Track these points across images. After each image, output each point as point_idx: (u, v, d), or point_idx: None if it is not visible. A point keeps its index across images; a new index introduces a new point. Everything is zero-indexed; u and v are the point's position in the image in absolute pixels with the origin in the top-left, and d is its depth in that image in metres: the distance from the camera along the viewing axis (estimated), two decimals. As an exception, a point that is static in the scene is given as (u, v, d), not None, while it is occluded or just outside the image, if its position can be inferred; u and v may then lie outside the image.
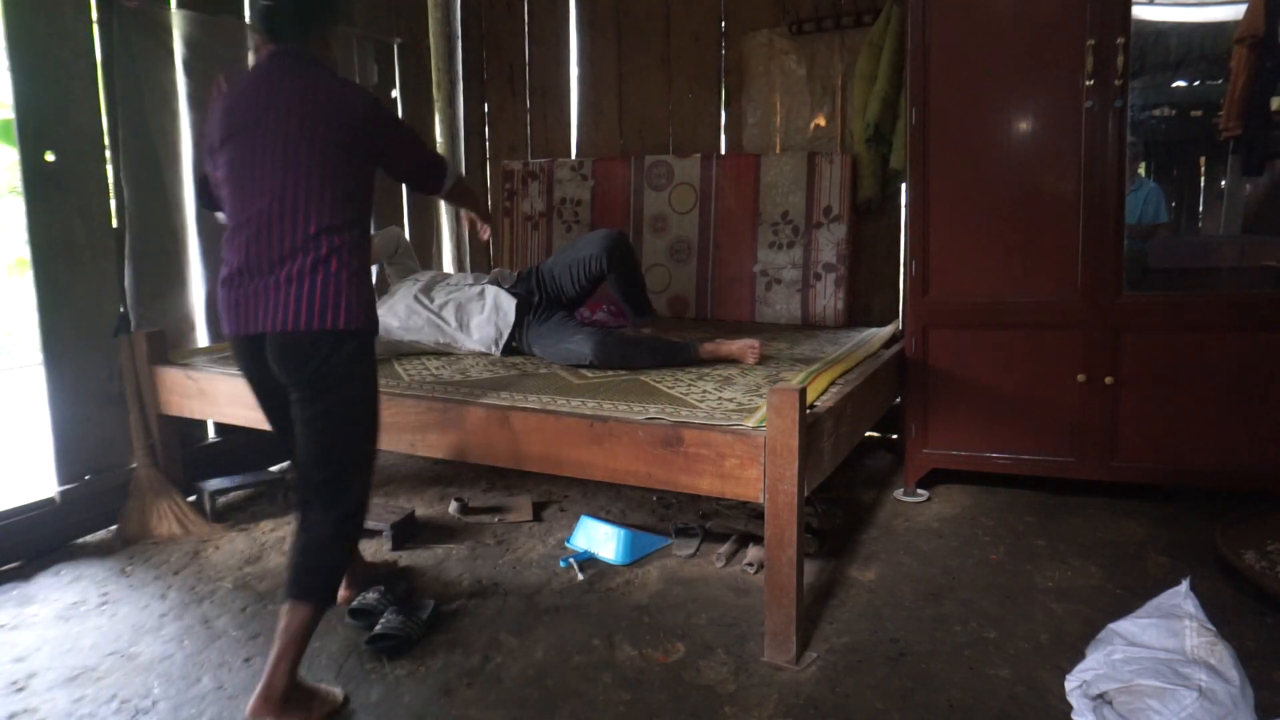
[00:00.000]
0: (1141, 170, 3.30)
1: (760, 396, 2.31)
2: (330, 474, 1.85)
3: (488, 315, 2.97)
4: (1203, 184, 3.45)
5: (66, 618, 2.32)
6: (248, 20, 3.31)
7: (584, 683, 1.96)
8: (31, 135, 2.66)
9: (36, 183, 2.68)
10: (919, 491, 3.07)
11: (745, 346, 2.73)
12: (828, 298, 3.64)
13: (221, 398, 2.82)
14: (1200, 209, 3.46)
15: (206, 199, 2.08)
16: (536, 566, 2.56)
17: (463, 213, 2.62)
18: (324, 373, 1.81)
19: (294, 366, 1.81)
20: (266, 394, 1.97)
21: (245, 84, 1.89)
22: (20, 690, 1.98)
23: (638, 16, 4.08)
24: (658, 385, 2.47)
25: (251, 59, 1.96)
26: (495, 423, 2.30)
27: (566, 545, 2.70)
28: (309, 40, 1.92)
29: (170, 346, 3.05)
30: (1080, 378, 2.82)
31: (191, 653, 2.12)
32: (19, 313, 6.18)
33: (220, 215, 2.00)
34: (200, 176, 2.10)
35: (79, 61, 2.79)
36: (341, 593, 2.19)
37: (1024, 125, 2.80)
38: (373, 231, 3.19)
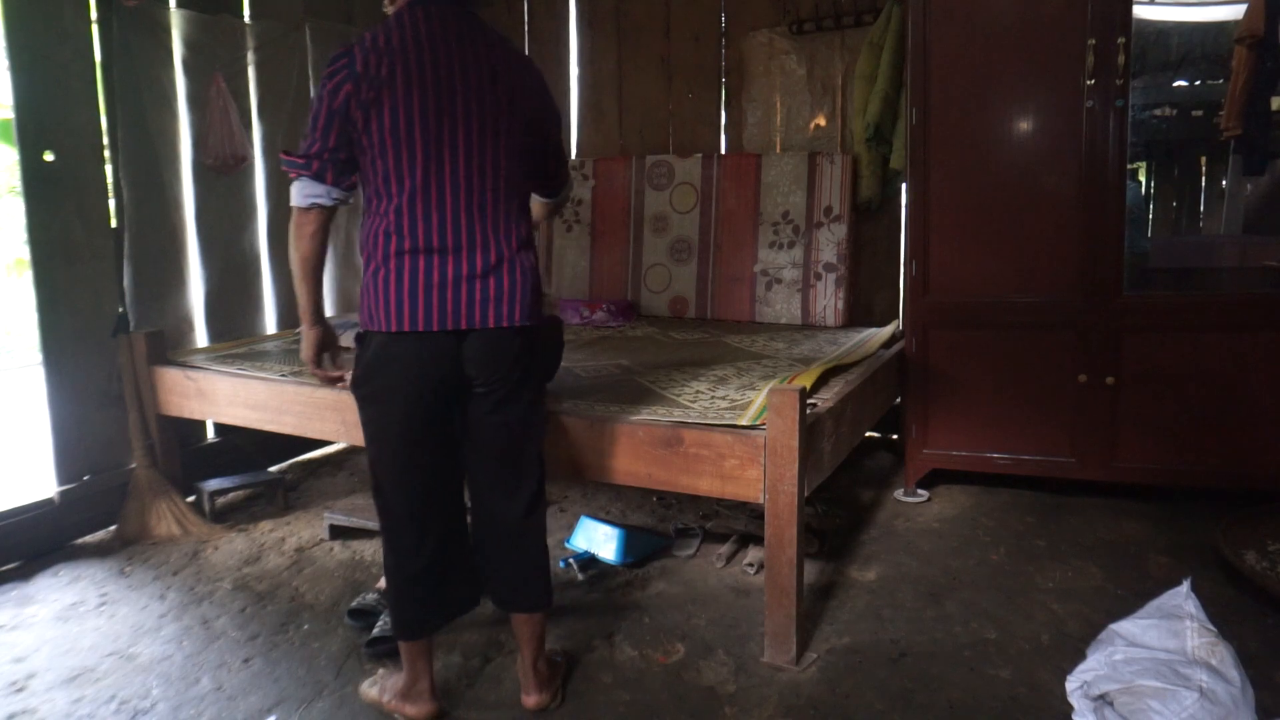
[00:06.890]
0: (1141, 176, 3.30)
1: (753, 391, 2.31)
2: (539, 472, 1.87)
3: None
4: (1203, 184, 3.45)
5: (66, 618, 2.32)
6: (246, 19, 3.32)
7: (584, 683, 1.95)
8: (31, 135, 2.66)
9: (36, 183, 2.68)
10: (919, 492, 3.07)
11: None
12: (828, 298, 3.64)
13: (221, 398, 2.82)
14: (1201, 209, 3.47)
15: (324, 171, 1.66)
16: (536, 567, 2.56)
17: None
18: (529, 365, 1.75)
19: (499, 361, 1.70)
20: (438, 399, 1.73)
21: (416, 31, 1.62)
22: (20, 690, 1.98)
23: (638, 16, 4.07)
24: (650, 385, 2.47)
25: (389, 7, 1.74)
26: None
27: (566, 546, 2.70)
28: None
29: (169, 346, 3.05)
30: (1081, 378, 2.81)
31: (190, 653, 2.12)
32: (19, 313, 6.18)
33: (326, 193, 1.67)
34: (317, 149, 1.65)
35: (79, 61, 2.79)
36: None
37: (1024, 125, 2.80)
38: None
